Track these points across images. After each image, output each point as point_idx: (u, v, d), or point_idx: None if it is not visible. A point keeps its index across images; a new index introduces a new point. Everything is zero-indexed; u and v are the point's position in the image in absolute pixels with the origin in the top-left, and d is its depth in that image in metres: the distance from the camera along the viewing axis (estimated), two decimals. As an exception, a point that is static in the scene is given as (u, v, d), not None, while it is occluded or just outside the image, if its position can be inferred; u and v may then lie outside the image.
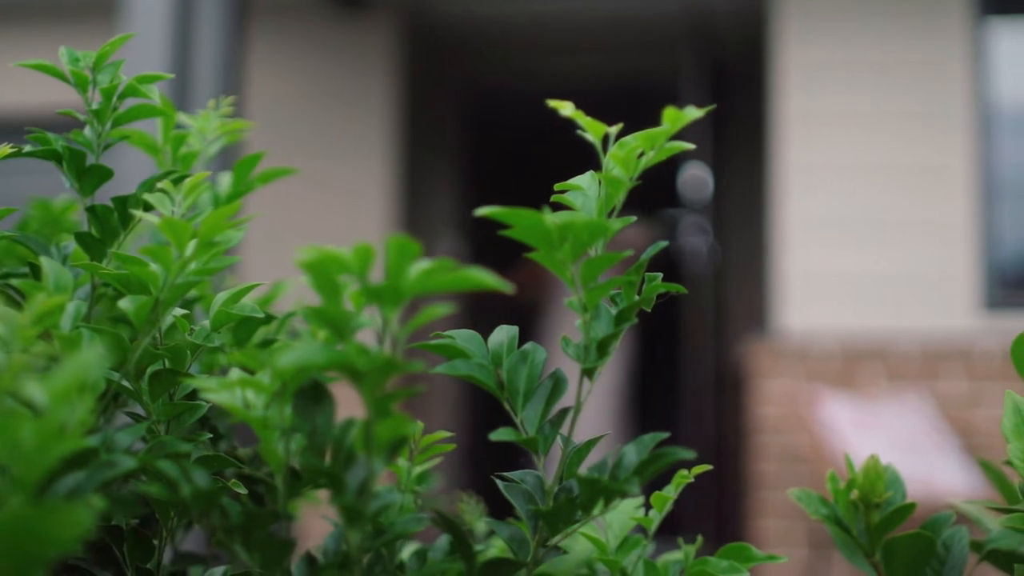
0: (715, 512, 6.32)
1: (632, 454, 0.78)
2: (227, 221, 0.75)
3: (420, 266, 0.68)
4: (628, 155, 0.81)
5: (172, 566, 1.01)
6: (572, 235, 0.76)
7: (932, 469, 4.77)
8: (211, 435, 0.88)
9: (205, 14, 4.29)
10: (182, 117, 1.10)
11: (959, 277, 5.45)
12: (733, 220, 7.34)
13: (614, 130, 0.84)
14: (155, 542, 0.87)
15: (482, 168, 8.06)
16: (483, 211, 0.76)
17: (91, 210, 0.93)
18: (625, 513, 0.95)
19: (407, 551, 0.99)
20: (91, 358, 0.57)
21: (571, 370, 1.02)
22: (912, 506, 1.01)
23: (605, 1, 6.91)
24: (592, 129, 0.83)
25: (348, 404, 0.89)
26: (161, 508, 0.84)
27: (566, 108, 0.82)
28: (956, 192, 5.54)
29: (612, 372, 6.69)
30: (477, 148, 7.98)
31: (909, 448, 4.94)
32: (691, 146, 0.82)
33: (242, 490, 0.86)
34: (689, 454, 0.75)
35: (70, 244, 0.98)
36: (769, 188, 6.03)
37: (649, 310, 0.83)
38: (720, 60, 7.01)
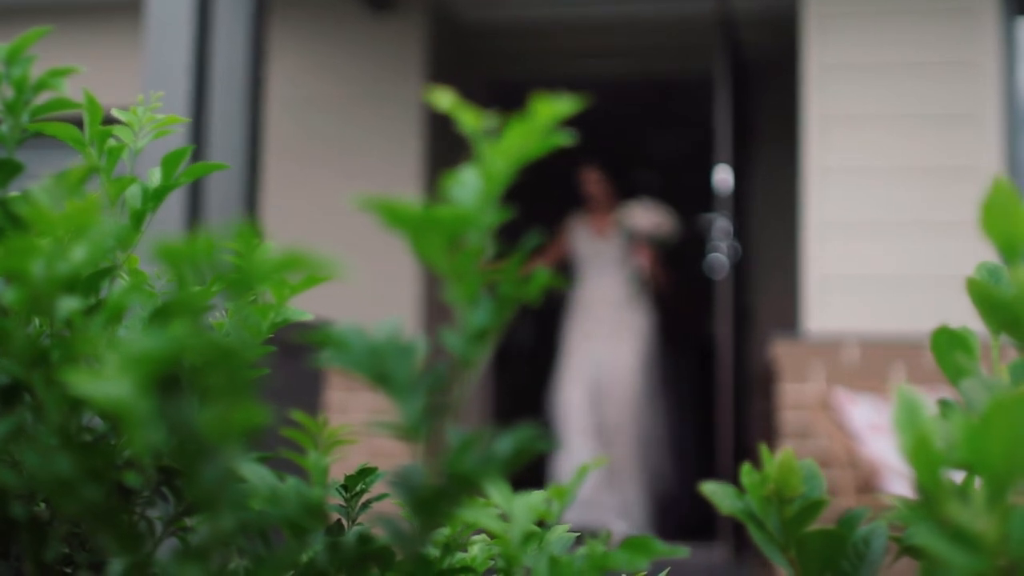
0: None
1: (507, 444, 0.78)
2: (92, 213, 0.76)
3: (269, 256, 0.68)
4: (505, 148, 0.81)
5: (91, 556, 1.02)
6: (440, 225, 0.76)
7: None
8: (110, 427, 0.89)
9: (225, 13, 4.33)
10: (113, 111, 1.10)
11: (988, 278, 5.37)
12: (762, 220, 7.29)
13: (492, 122, 0.84)
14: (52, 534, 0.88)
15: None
16: (353, 200, 0.77)
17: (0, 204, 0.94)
18: (530, 506, 0.95)
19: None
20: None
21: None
22: (824, 502, 0.99)
23: (632, 2, 6.90)
24: (469, 122, 0.83)
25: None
26: (55, 499, 0.85)
27: (444, 99, 0.83)
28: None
29: (638, 353, 6.74)
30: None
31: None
32: (567, 140, 0.82)
33: (135, 481, 0.86)
34: (549, 445, 0.75)
35: (-14, 239, 0.99)
36: (798, 188, 5.99)
37: (537, 303, 0.83)
38: (750, 60, 6.97)
